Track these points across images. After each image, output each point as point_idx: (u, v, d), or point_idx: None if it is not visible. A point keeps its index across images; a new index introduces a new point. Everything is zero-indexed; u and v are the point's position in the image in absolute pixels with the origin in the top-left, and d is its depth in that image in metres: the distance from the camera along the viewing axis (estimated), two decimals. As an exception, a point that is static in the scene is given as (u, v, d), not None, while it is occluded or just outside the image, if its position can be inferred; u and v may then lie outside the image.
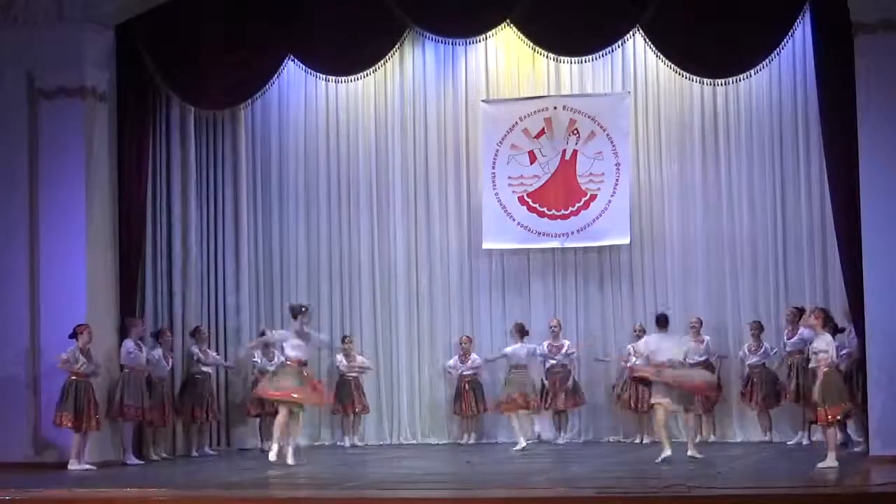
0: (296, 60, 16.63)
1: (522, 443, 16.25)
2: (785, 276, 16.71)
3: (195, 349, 16.69)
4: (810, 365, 13.42)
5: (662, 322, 14.99)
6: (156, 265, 16.67)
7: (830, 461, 12.92)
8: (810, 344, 13.74)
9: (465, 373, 17.29)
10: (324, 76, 17.16)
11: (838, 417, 13.17)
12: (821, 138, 15.48)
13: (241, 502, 11.69)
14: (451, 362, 17.41)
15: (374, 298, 17.88)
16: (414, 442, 17.61)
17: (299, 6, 16.19)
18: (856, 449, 14.55)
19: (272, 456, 14.60)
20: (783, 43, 15.40)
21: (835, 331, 13.48)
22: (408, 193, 17.89)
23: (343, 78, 17.11)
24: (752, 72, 15.78)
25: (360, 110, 18.01)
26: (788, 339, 16.07)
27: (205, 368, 16.74)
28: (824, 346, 13.06)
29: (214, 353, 16.97)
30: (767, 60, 15.59)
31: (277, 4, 16.19)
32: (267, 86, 16.71)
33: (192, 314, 16.85)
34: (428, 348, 17.78)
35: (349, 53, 16.41)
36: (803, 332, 15.40)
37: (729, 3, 15.16)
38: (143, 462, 15.68)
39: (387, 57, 16.51)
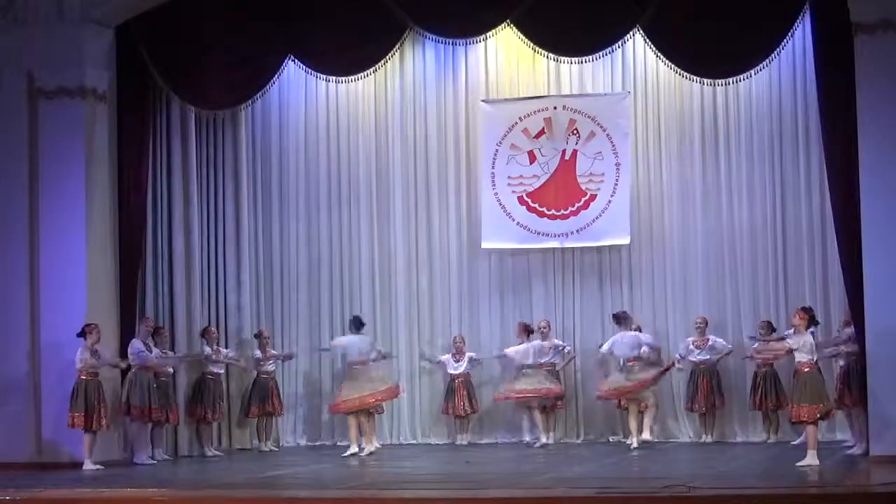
0: (296, 60, 16.64)
1: (543, 439, 16.49)
2: (785, 276, 16.72)
3: (207, 349, 16.71)
4: (797, 362, 13.47)
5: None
6: (156, 265, 16.67)
7: (811, 459, 13.06)
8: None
9: (458, 372, 17.31)
10: (324, 76, 17.17)
11: (816, 417, 13.25)
12: (821, 138, 15.48)
13: (241, 502, 11.69)
14: (443, 357, 17.45)
15: (374, 298, 17.88)
16: (414, 442, 17.63)
17: (299, 6, 16.20)
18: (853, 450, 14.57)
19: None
20: (783, 43, 15.41)
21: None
22: (408, 193, 17.90)
23: (343, 78, 17.13)
24: (752, 72, 15.79)
25: (360, 110, 18.02)
26: (759, 352, 16.22)
27: (216, 370, 16.77)
28: (805, 346, 13.27)
29: (227, 350, 17.04)
30: (767, 61, 15.60)
31: (278, 4, 16.20)
32: (267, 86, 16.72)
33: (193, 314, 16.86)
34: (428, 348, 17.78)
35: (349, 53, 16.42)
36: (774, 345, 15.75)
37: (729, 4, 15.17)
38: (154, 462, 15.69)
39: (387, 57, 16.52)
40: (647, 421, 15.77)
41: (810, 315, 13.53)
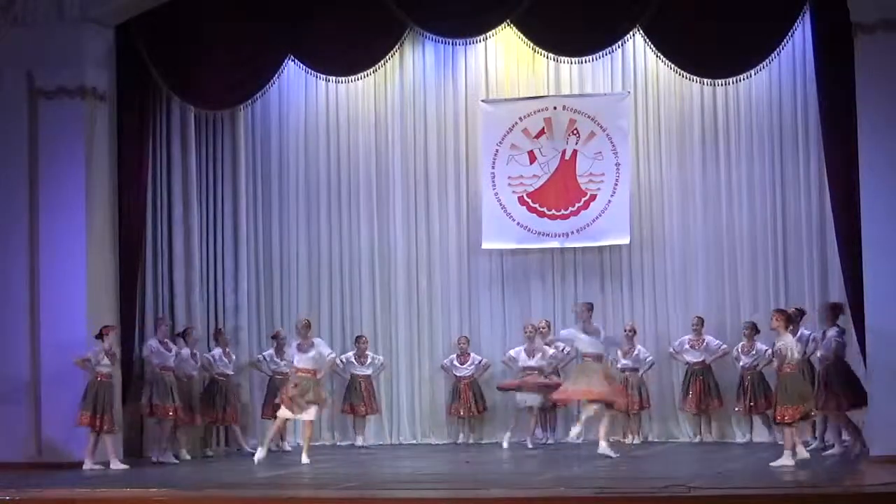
0: (296, 60, 16.65)
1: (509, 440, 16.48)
2: (785, 276, 16.72)
3: (218, 351, 16.71)
4: (775, 365, 13.50)
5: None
6: (156, 265, 16.69)
7: (786, 460, 13.06)
8: (772, 346, 13.83)
9: (463, 374, 17.30)
10: (324, 76, 17.17)
11: (797, 418, 13.24)
12: (821, 138, 15.51)
13: (241, 502, 11.69)
14: (446, 362, 17.43)
15: (374, 298, 17.88)
16: (414, 442, 17.62)
17: (299, 6, 16.21)
18: (856, 451, 14.55)
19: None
20: (783, 43, 15.43)
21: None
22: (408, 193, 17.90)
23: (343, 78, 17.13)
24: (752, 72, 15.81)
25: (360, 110, 18.01)
26: (745, 353, 16.28)
27: (227, 371, 16.77)
28: (786, 347, 13.22)
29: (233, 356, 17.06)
30: (767, 61, 15.61)
31: (278, 4, 16.21)
32: (267, 86, 16.72)
33: (194, 314, 16.86)
34: (428, 348, 17.78)
35: (349, 53, 16.43)
36: (760, 346, 16.02)
37: (729, 4, 15.18)
38: (177, 462, 15.68)
39: (387, 57, 16.52)
40: (603, 430, 14.72)
41: (787, 316, 13.54)
